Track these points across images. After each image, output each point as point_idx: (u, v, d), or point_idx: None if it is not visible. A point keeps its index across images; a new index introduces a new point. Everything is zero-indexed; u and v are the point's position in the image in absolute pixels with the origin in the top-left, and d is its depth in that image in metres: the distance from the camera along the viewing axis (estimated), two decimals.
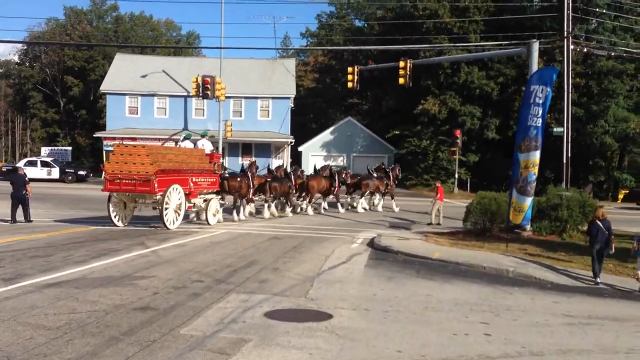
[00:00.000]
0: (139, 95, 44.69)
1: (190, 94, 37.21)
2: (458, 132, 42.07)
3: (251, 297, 9.05)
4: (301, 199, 25.20)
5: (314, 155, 48.15)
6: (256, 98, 45.31)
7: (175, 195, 17.31)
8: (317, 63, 68.12)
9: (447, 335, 7.53)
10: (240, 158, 42.71)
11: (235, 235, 16.99)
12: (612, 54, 31.02)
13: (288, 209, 23.79)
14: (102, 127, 46.04)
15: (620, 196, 44.71)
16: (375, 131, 49.53)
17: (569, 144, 22.13)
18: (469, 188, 43.14)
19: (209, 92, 33.55)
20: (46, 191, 32.23)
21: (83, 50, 64.24)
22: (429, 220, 22.24)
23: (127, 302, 8.32)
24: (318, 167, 26.71)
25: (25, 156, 65.75)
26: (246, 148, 44.18)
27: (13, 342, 6.42)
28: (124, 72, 45.97)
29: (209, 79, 33.44)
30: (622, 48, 34.25)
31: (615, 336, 8.04)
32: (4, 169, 41.44)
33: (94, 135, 47.12)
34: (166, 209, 16.91)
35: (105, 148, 43.40)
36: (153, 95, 44.60)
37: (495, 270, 12.73)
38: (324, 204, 25.83)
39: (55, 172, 42.03)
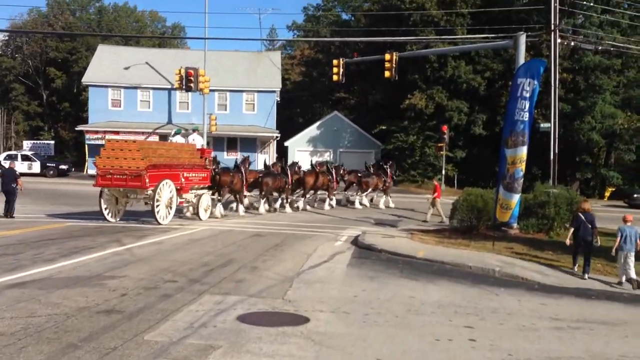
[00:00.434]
0: (122, 88, 43.83)
1: (174, 87, 36.52)
2: (445, 128, 41.72)
3: (225, 298, 8.61)
4: (296, 194, 25.10)
5: (300, 150, 47.61)
6: (241, 91, 44.67)
7: (166, 190, 17.38)
8: (303, 56, 67.49)
9: (429, 341, 7.14)
10: (225, 152, 42.13)
11: (216, 232, 16.54)
12: (600, 47, 30.80)
13: (287, 206, 23.52)
14: (86, 120, 45.13)
15: (607, 194, 44.63)
16: (362, 126, 49.08)
17: (557, 140, 21.83)
18: (456, 184, 42.86)
19: (192, 85, 32.90)
20: (26, 185, 31.05)
21: (66, 42, 63.11)
22: (424, 218, 22.18)
23: (92, 305, 7.83)
24: (314, 163, 26.72)
25: (10, 150, 64.59)
26: (231, 142, 43.56)
27: None
28: (107, 64, 45.10)
29: (192, 71, 32.78)
30: (610, 42, 34.04)
31: (604, 342, 7.71)
32: None
33: (76, 129, 46.25)
34: (157, 204, 16.93)
35: (87, 142, 42.67)
36: (136, 87, 43.76)
37: (482, 269, 12.40)
38: (326, 201, 25.75)
39: (36, 167, 41.24)
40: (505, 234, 17.36)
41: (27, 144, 51.63)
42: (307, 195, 24.99)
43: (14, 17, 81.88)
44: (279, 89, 45.77)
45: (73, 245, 12.99)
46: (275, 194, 23.92)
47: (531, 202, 18.31)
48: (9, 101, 67.71)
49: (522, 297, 10.10)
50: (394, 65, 26.79)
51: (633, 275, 11.42)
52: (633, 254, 11.51)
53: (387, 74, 27.01)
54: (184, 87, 33.23)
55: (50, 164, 42.63)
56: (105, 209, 17.50)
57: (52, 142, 53.38)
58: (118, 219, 17.79)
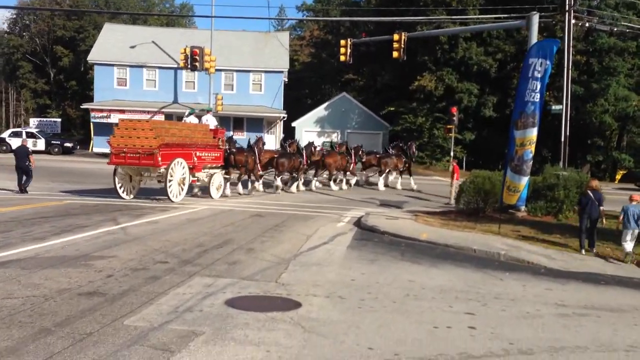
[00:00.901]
0: (128, 67, 43.34)
1: (180, 66, 36.01)
2: (454, 110, 40.70)
3: (216, 281, 8.25)
4: (313, 175, 25.37)
5: (308, 130, 47.13)
6: (248, 71, 44.06)
7: (179, 169, 17.66)
8: (312, 37, 66.66)
9: (427, 329, 6.75)
10: (231, 132, 41.67)
11: (216, 212, 16.22)
12: (615, 29, 29.90)
13: (294, 185, 23.59)
14: (92, 99, 44.81)
15: (618, 177, 43.99)
16: (371, 107, 48.47)
17: (568, 122, 21.26)
18: (464, 166, 42.23)
19: (197, 64, 32.42)
20: None
21: (73, 20, 62.63)
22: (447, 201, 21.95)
23: (74, 287, 7.49)
24: (335, 144, 27.14)
25: (19, 127, 64.62)
26: (238, 122, 43.08)
27: None
28: (113, 43, 44.57)
29: (197, 50, 32.29)
30: (625, 24, 33.13)
31: (612, 330, 7.28)
32: None
33: (81, 107, 45.94)
34: (170, 182, 17.25)
35: (93, 120, 42.36)
36: (142, 66, 43.26)
37: (486, 253, 11.98)
38: (346, 181, 26.03)
39: (41, 144, 40.99)
40: (513, 217, 16.93)
41: (33, 121, 51.46)
42: (331, 176, 25.09)
43: None
44: (287, 70, 45.12)
45: (67, 223, 12.68)
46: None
47: (540, 185, 17.85)
48: (16, 79, 67.58)
49: (527, 282, 9.68)
50: (402, 46, 26.19)
51: (630, 249, 11.94)
52: (637, 231, 11.95)
53: (395, 54, 26.43)
54: (189, 66, 32.77)
55: (55, 142, 42.44)
56: (120, 186, 17.85)
57: (59, 120, 53.15)
58: (132, 196, 18.14)
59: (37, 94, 66.76)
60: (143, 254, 9.77)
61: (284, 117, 44.14)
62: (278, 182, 22.65)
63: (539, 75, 14.65)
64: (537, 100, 14.58)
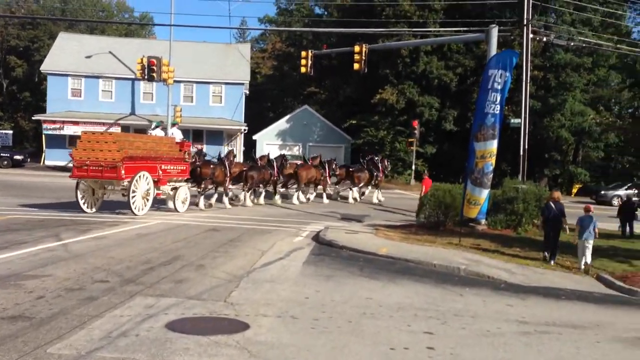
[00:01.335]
0: (83, 77, 42.08)
1: (137, 77, 35.07)
2: (416, 123, 41.26)
3: (159, 301, 7.65)
4: (283, 188, 25.07)
5: (269, 144, 46.57)
6: (208, 83, 43.36)
7: (143, 182, 17.30)
8: (274, 50, 66.30)
9: (383, 351, 6.31)
10: (202, 145, 40.86)
11: (170, 227, 15.52)
12: (571, 44, 30.54)
13: (277, 197, 23.67)
14: (45, 110, 43.34)
15: (574, 190, 44.81)
16: (333, 121, 48.30)
17: (527, 135, 21.36)
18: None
19: (155, 75, 31.58)
20: None
21: (28, 30, 60.79)
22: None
23: None
24: (308, 157, 27.05)
25: None
26: (197, 135, 42.22)
27: None
28: (68, 52, 43.28)
29: (155, 60, 31.47)
30: (582, 38, 33.85)
31: (575, 348, 6.99)
32: None
33: (33, 118, 44.40)
34: (133, 195, 16.88)
35: (45, 132, 40.93)
36: (98, 77, 42.08)
37: (446, 268, 11.67)
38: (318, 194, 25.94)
39: None
40: (473, 230, 16.78)
41: None
42: (299, 188, 24.71)
43: None
44: (248, 82, 44.61)
45: (5, 239, 11.83)
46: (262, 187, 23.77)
47: (500, 198, 17.79)
48: None
49: (488, 298, 9.37)
50: (363, 58, 26.09)
51: (588, 259, 12.32)
52: (591, 241, 12.31)
53: (356, 66, 26.31)
54: (146, 76, 31.90)
55: (4, 154, 40.84)
56: (82, 199, 17.34)
57: (10, 131, 51.24)
58: (94, 210, 17.63)
59: None
60: (82, 272, 9.08)
61: (244, 130, 43.53)
62: (242, 195, 22.30)
63: (499, 87, 14.57)
64: (497, 112, 14.48)
